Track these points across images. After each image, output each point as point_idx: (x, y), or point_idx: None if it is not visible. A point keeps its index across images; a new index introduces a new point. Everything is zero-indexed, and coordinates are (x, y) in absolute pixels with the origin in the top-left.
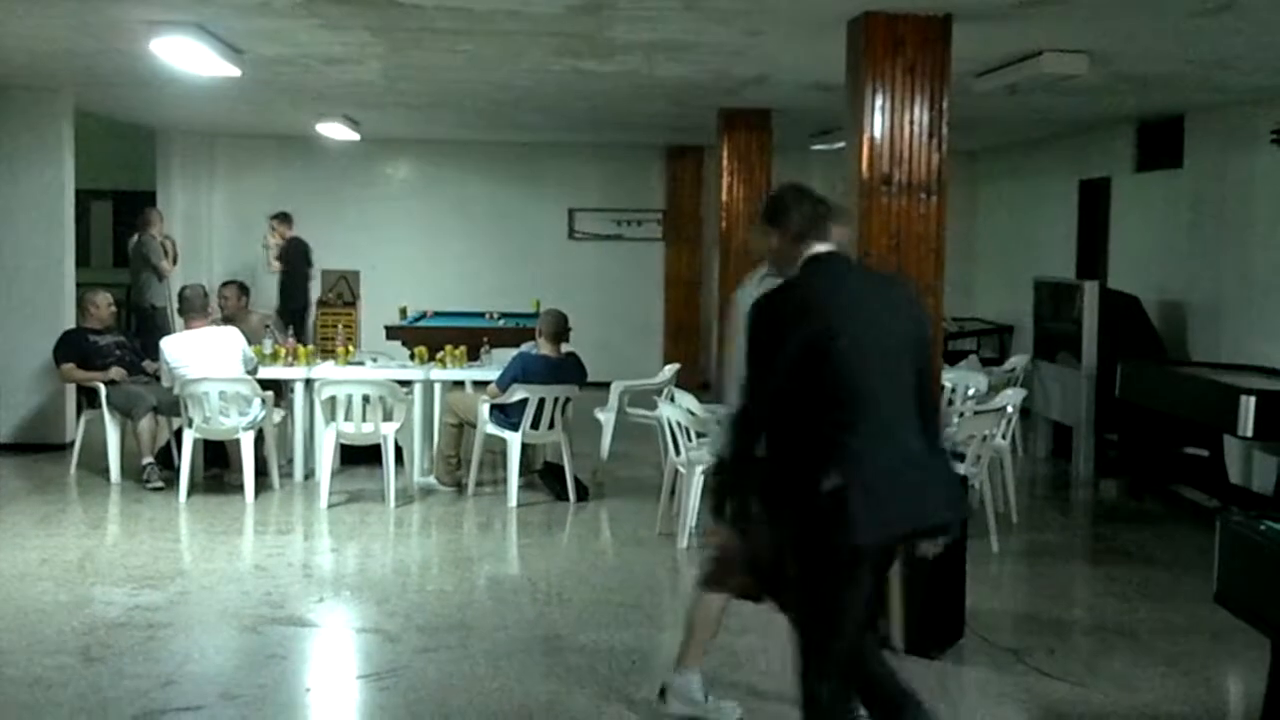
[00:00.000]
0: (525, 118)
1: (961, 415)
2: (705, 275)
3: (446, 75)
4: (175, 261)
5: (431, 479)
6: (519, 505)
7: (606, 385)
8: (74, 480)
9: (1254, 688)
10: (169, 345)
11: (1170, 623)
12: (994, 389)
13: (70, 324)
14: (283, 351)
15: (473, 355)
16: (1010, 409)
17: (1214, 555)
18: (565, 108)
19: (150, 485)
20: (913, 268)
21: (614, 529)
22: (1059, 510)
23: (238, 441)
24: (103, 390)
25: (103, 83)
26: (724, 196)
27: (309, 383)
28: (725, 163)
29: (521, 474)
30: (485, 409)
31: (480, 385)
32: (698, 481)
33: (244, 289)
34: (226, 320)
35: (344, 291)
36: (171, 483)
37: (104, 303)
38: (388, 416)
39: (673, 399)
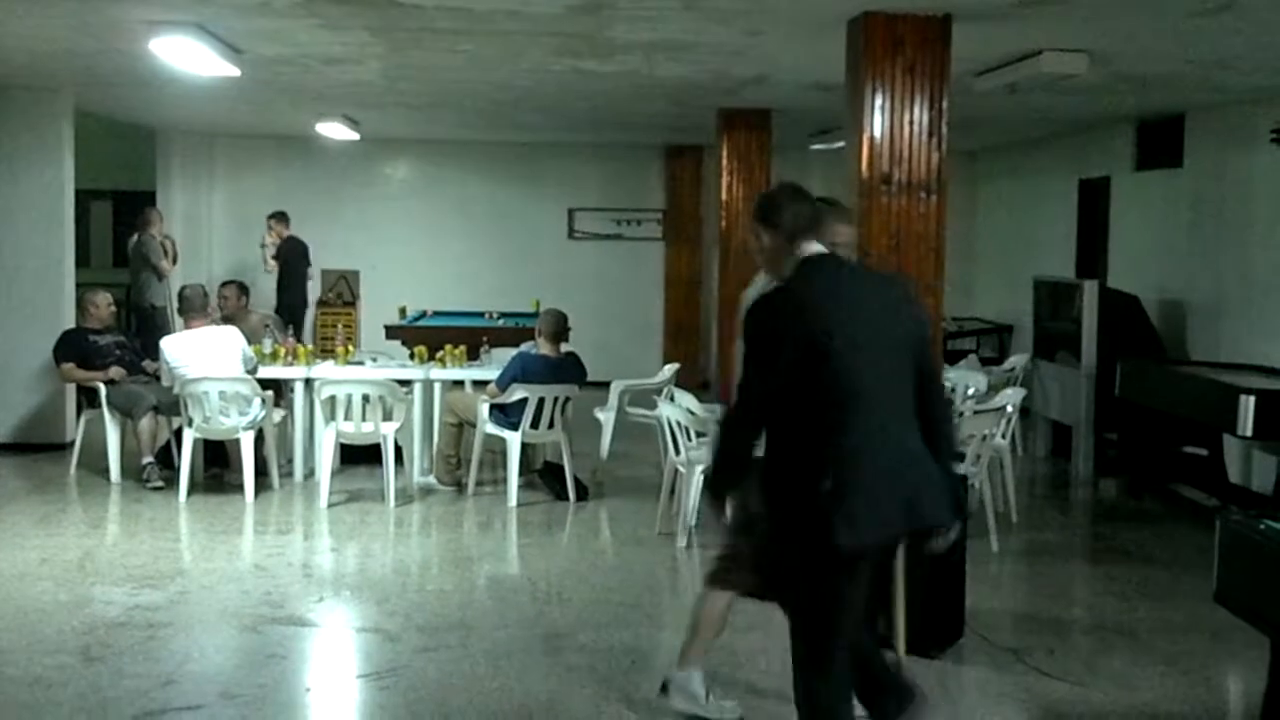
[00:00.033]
0: (525, 118)
1: (961, 415)
2: (705, 275)
3: (446, 75)
4: (175, 261)
5: (431, 478)
6: (519, 505)
7: (606, 385)
8: (74, 480)
9: (1253, 687)
10: (169, 345)
11: (1170, 622)
12: (993, 388)
13: (70, 324)
14: (282, 351)
15: (472, 355)
16: (1010, 408)
17: (1213, 554)
18: (565, 108)
19: (150, 485)
20: (912, 267)
21: (614, 528)
22: (1058, 509)
23: (238, 441)
24: (103, 390)
25: (103, 83)
26: (723, 196)
27: (309, 382)
28: (725, 162)
29: (521, 474)
30: (485, 408)
31: (480, 385)
32: (697, 481)
33: (244, 289)
34: (226, 320)
35: (344, 291)
36: (171, 482)
37: (104, 302)
38: (387, 416)
39: (672, 398)
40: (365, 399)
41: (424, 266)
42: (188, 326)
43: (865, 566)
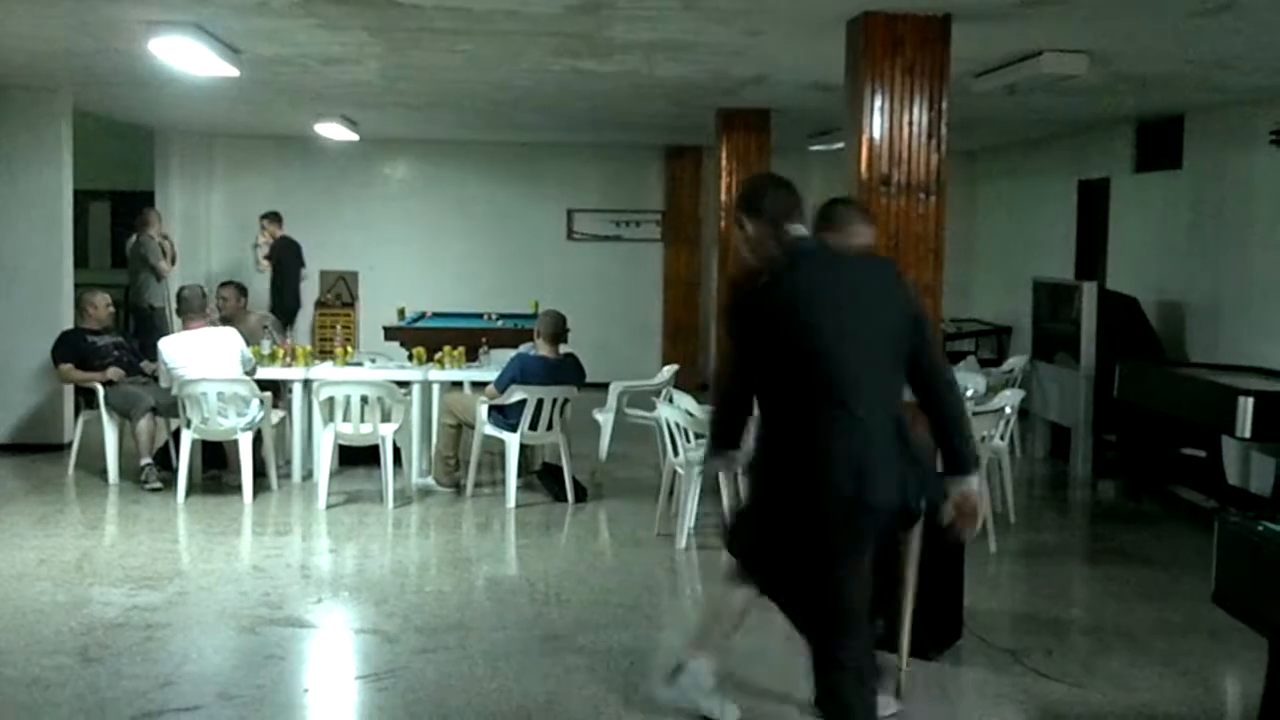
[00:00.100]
0: (524, 118)
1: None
2: (704, 276)
3: (445, 75)
4: (173, 262)
5: (430, 480)
6: (517, 506)
7: (605, 386)
8: (72, 481)
9: (1251, 688)
10: (167, 346)
11: (1168, 623)
12: (992, 390)
13: (68, 324)
14: (281, 352)
15: (471, 356)
16: (1008, 410)
17: (1212, 556)
18: (564, 108)
19: (148, 486)
20: (911, 268)
21: (612, 530)
22: (1057, 511)
23: (236, 442)
24: (101, 391)
25: (101, 83)
26: (723, 197)
27: (307, 383)
28: (724, 163)
29: (520, 475)
30: (484, 410)
31: (478, 386)
32: (696, 482)
33: (242, 290)
34: (225, 321)
35: (342, 292)
36: (170, 483)
37: (102, 303)
38: (386, 417)
39: (671, 400)
40: (364, 400)
41: (423, 267)
42: (186, 327)
43: (863, 546)
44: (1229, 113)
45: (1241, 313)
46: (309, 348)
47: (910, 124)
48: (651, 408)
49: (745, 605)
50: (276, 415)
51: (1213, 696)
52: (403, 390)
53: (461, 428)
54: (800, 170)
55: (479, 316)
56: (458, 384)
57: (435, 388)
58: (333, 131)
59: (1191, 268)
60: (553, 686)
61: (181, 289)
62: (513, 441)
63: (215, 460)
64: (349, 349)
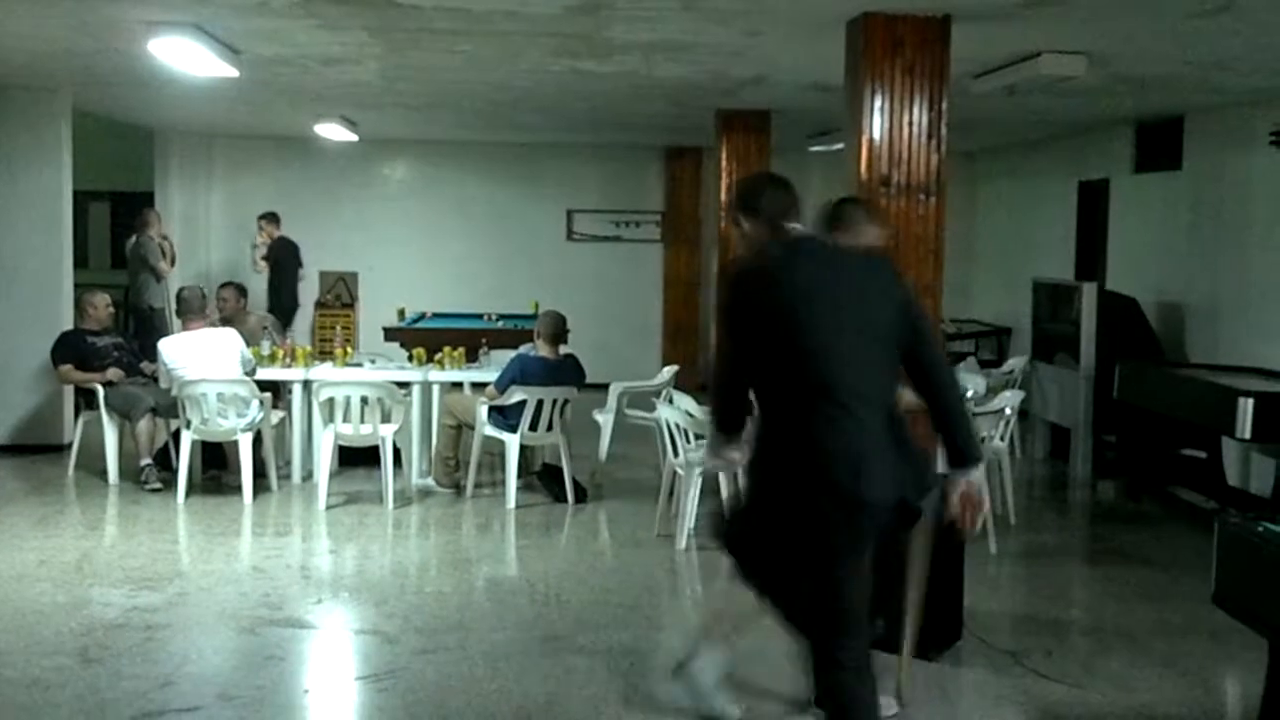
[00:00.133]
0: (524, 118)
1: None
2: (704, 276)
3: (445, 76)
4: (173, 262)
5: (430, 480)
6: (517, 507)
7: (605, 387)
8: (72, 481)
9: (1251, 689)
10: (167, 346)
11: (1168, 624)
12: (992, 391)
13: (68, 325)
14: (281, 353)
15: (471, 357)
16: (1008, 410)
17: (1212, 557)
18: (564, 108)
19: (148, 487)
20: (911, 268)
21: (612, 530)
22: (1057, 511)
23: (236, 443)
24: (101, 391)
25: (101, 83)
26: (722, 197)
27: (307, 384)
28: (724, 164)
29: (520, 475)
30: (483, 410)
31: (478, 387)
32: (696, 483)
33: (242, 290)
34: (225, 321)
35: (342, 293)
36: (169, 484)
37: (102, 304)
38: (386, 418)
39: (671, 400)
40: (364, 401)
41: (422, 268)
42: (186, 328)
43: (863, 546)
44: (1228, 114)
45: (1241, 313)
46: (309, 348)
47: (910, 124)
48: (651, 408)
49: (747, 606)
50: (276, 416)
51: (1212, 697)
52: (403, 391)
53: (461, 428)
54: (800, 171)
55: (479, 317)
56: (458, 385)
57: (435, 388)
58: (332, 132)
59: (1191, 268)
60: (553, 687)
61: (181, 290)
62: (513, 442)
63: (215, 461)
64: (349, 350)
